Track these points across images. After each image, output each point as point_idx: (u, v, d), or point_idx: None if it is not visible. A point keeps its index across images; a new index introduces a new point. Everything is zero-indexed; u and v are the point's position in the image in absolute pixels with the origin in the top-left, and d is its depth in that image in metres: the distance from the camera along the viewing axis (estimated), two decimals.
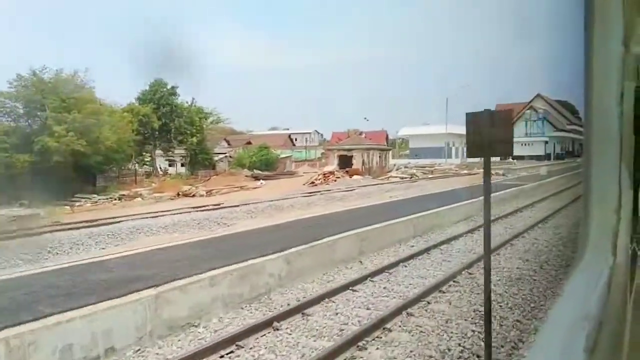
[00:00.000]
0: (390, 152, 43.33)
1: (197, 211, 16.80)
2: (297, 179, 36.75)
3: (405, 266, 8.88)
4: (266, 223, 12.29)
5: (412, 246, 10.62)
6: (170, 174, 44.14)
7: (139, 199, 30.07)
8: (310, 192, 21.75)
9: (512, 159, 61.13)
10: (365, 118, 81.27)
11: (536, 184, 21.40)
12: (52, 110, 28.44)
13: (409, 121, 51.28)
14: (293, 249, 8.02)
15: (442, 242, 10.86)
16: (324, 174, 33.30)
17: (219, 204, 18.33)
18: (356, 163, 36.14)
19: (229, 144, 55.47)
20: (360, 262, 9.20)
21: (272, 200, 18.85)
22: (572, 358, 0.88)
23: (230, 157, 49.64)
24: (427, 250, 10.07)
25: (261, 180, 34.98)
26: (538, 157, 63.84)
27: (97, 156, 31.47)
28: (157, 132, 43.96)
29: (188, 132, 43.36)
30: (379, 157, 40.43)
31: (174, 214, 16.04)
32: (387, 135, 76.57)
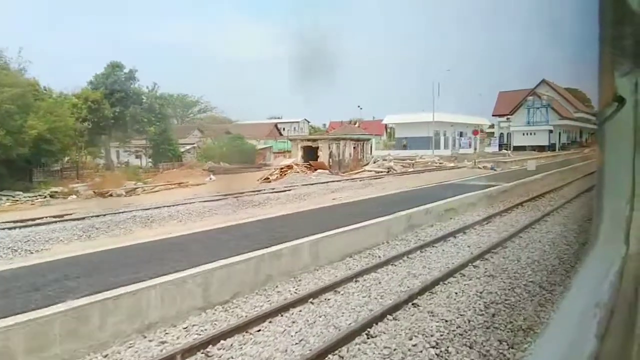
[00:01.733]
0: (370, 142, 38.25)
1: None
2: (261, 173, 31.99)
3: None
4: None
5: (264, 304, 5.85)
6: (125, 167, 39.68)
7: (74, 196, 25.68)
8: (225, 195, 17.15)
9: (506, 149, 55.70)
10: (358, 106, 76.24)
11: (513, 184, 16.46)
12: None
13: (402, 108, 46.28)
14: None
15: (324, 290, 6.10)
16: (281, 169, 28.58)
17: (63, 215, 13.24)
18: (322, 155, 31.37)
19: (202, 133, 50.89)
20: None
21: (148, 209, 14.23)
22: (583, 343, 0.89)
23: (200, 148, 45.10)
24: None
25: (211, 176, 30.37)
26: (541, 148, 58.15)
27: (20, 148, 27.09)
28: (112, 121, 39.67)
29: (145, 120, 38.83)
30: (354, 148, 35.54)
31: None
32: (386, 125, 71.38)
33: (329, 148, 31.61)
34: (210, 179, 29.54)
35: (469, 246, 8.67)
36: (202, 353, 4.47)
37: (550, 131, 61.08)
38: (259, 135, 57.82)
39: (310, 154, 31.76)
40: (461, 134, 50.27)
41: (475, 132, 34.32)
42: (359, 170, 33.23)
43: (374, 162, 36.49)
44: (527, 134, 61.38)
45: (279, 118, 77.60)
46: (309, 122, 73.32)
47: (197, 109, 78.27)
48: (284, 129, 69.36)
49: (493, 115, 74.57)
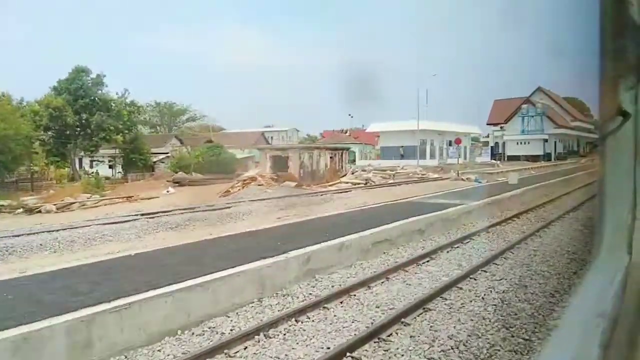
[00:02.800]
0: (350, 152, 35.55)
1: None
2: (230, 184, 29.19)
3: None
4: None
5: None
6: (92, 177, 37.04)
7: (21, 209, 23.02)
8: (137, 215, 14.39)
9: (498, 159, 52.81)
10: (349, 115, 73.77)
11: (483, 202, 13.72)
12: None
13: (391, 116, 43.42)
14: None
15: None
16: (243, 181, 25.90)
17: None
18: (292, 166, 28.71)
19: (181, 143, 48.32)
20: None
21: (31, 234, 11.55)
22: (588, 353, 0.89)
23: (174, 157, 42.47)
24: None
25: (169, 189, 27.69)
26: (535, 157, 55.30)
27: None
28: (79, 129, 37.18)
29: (112, 128, 36.24)
30: (330, 158, 32.86)
31: None
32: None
33: (300, 158, 28.91)
34: (168, 191, 26.86)
35: (378, 307, 5.90)
36: None
37: (545, 140, 58.23)
38: (246, 144, 55.28)
39: (280, 164, 29.08)
40: (450, 143, 47.47)
41: (457, 141, 31.61)
42: (335, 182, 30.54)
43: (352, 173, 33.79)
44: (521, 143, 58.60)
45: (270, 126, 75.20)
46: (298, 130, 70.76)
47: (185, 117, 76.05)
48: (272, 138, 66.84)
49: (487, 124, 71.94)
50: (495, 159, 49.38)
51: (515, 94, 65.17)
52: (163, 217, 13.97)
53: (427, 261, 8.34)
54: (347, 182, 30.63)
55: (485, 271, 7.58)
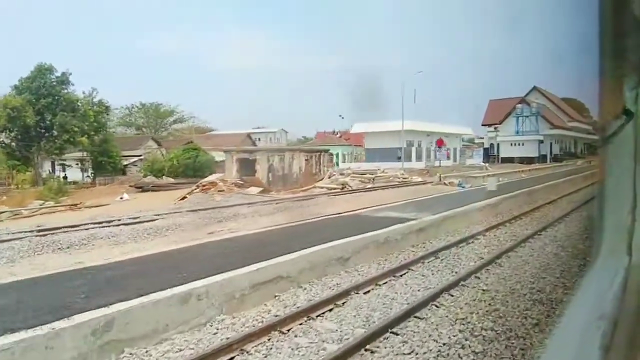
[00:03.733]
0: (325, 155, 33.15)
1: None
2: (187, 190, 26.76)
3: None
4: None
5: None
6: (57, 181, 34.66)
7: None
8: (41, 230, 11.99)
9: (489, 161, 50.23)
10: (340, 115, 71.35)
11: (444, 215, 11.22)
12: None
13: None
14: None
15: None
16: (203, 186, 23.50)
17: None
18: (260, 169, 26.31)
19: (158, 144, 45.99)
20: None
21: None
22: (588, 355, 0.89)
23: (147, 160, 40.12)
24: None
25: (124, 195, 25.31)
26: (530, 159, 52.72)
27: None
28: (43, 130, 34.90)
29: (77, 129, 33.91)
30: (306, 160, 30.45)
31: None
32: None
33: (268, 161, 26.50)
34: (121, 198, 24.50)
35: None
36: None
37: (541, 141, 55.62)
38: (230, 146, 52.89)
39: (248, 168, 26.68)
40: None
41: (439, 142, 29.17)
42: (309, 187, 28.17)
43: (330, 177, 31.37)
44: (515, 144, 56.01)
45: (259, 128, 72.83)
46: (286, 132, 68.37)
47: (172, 119, 73.81)
48: (258, 140, 64.52)
49: (482, 125, 69.40)
50: (486, 161, 46.84)
51: (514, 94, 62.75)
52: (59, 235, 11.54)
53: (330, 309, 5.92)
54: (322, 187, 28.25)
55: (396, 334, 5.14)
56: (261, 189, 24.32)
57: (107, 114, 37.21)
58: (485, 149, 64.52)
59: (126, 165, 39.23)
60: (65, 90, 35.00)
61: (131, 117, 70.97)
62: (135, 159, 39.73)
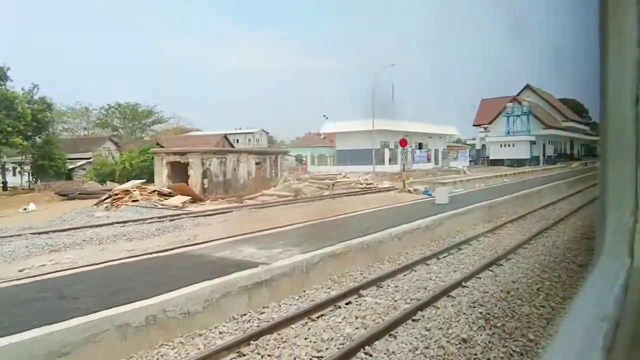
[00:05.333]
0: (283, 157, 29.22)
1: None
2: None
3: None
4: None
5: None
6: None
7: None
8: None
9: (476, 163, 46.07)
10: (324, 116, 67.36)
11: (331, 250, 7.27)
12: None
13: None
14: None
15: None
16: (115, 195, 19.60)
17: None
18: (194, 174, 22.44)
19: (117, 146, 42.15)
20: None
21: None
22: (590, 357, 0.89)
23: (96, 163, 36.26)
24: None
25: (31, 204, 21.43)
26: (521, 162, 48.49)
27: None
28: None
29: (10, 129, 30.14)
30: (257, 164, 26.51)
31: None
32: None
33: (203, 165, 22.54)
34: (25, 209, 20.63)
35: None
36: None
37: (533, 142, 51.37)
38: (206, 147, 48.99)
39: (181, 172, 22.74)
40: (420, 146, 40.89)
41: (402, 143, 25.16)
42: (257, 195, 24.21)
43: (285, 182, 27.40)
44: (505, 145, 51.78)
45: (239, 129, 68.92)
46: (267, 133, 64.42)
47: (151, 119, 70.15)
48: (237, 141, 60.60)
49: (474, 125, 65.25)
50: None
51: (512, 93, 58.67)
52: None
53: None
54: (271, 195, 24.28)
55: None
56: (188, 198, 20.34)
57: (50, 113, 33.30)
58: (477, 151, 60.33)
59: (72, 169, 35.38)
60: (2, 86, 31.28)
61: (107, 118, 67.49)
62: (84, 162, 35.86)
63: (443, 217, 10.95)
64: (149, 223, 13.42)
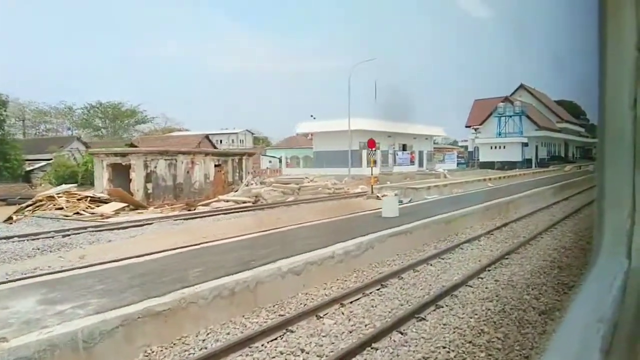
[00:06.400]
0: (250, 159, 26.78)
1: None
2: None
3: None
4: None
5: None
6: None
7: None
8: None
9: (467, 166, 43.54)
10: (311, 116, 64.89)
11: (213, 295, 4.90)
12: None
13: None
14: None
15: None
16: (35, 202, 17.14)
17: None
18: (136, 177, 20.01)
19: (86, 146, 39.68)
20: None
21: None
22: (588, 358, 0.88)
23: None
24: None
25: None
26: (512, 164, 46.00)
27: None
28: None
29: None
30: (216, 166, 24.05)
31: None
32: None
33: (146, 167, 20.06)
34: None
35: None
36: None
37: (525, 144, 48.86)
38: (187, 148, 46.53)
39: (122, 176, 20.27)
40: (404, 147, 38.39)
41: (370, 144, 22.74)
42: (211, 201, 21.77)
43: (247, 185, 24.93)
44: (495, 147, 49.29)
45: (226, 129, 66.43)
46: (252, 133, 61.90)
47: (134, 119, 67.69)
48: (220, 142, 58.13)
49: (466, 127, 62.74)
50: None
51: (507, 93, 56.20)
52: None
53: None
54: (227, 201, 21.85)
55: None
56: (124, 205, 17.88)
57: (4, 110, 30.88)
58: (470, 153, 57.89)
59: (31, 170, 32.93)
60: None
61: (89, 118, 65.11)
62: (44, 163, 33.40)
63: (375, 238, 8.44)
64: (33, 240, 10.91)
